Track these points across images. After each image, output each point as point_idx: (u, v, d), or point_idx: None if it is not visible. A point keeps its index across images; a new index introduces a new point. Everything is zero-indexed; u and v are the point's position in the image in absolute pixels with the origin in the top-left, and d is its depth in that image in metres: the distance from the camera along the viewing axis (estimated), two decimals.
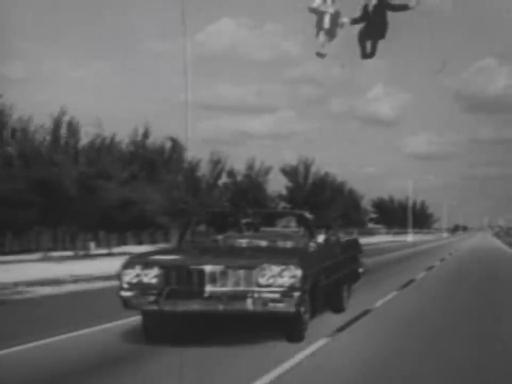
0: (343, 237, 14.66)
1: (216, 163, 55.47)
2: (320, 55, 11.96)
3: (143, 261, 8.90)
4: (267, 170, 61.29)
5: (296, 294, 8.41)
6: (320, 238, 10.60)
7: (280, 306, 8.39)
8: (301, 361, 7.74)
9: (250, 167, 60.42)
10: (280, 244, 10.21)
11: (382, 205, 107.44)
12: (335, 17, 11.84)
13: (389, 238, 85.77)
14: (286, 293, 8.38)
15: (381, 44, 11.46)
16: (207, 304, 8.38)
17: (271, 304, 8.37)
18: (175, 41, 71.05)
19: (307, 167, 68.33)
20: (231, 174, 57.73)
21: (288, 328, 8.81)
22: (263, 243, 10.20)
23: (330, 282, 10.41)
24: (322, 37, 11.78)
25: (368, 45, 11.50)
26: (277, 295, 8.37)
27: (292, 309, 8.44)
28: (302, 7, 12.15)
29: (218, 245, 10.43)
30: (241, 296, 8.35)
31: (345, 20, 11.87)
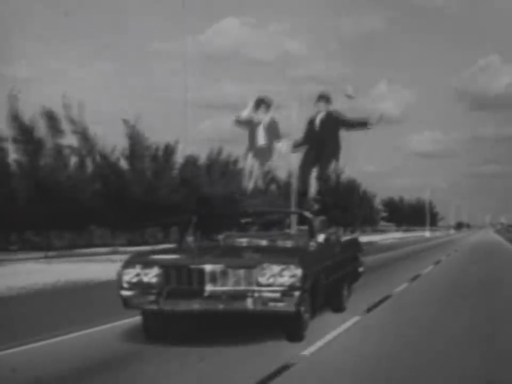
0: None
1: (267, 172, 59.80)
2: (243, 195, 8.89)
3: (143, 260, 8.90)
4: None
5: (296, 293, 8.39)
6: (320, 237, 10.59)
7: (280, 305, 8.37)
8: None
9: (290, 175, 64.18)
10: (280, 243, 10.21)
11: (391, 204, 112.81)
12: (271, 129, 9.17)
13: (408, 234, 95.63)
14: (286, 292, 8.35)
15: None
16: (207, 304, 8.36)
17: (271, 304, 8.35)
18: (179, 40, 71.19)
19: (338, 174, 72.83)
20: (276, 181, 62.84)
21: (288, 327, 8.81)
22: (263, 242, 10.20)
23: (330, 282, 10.39)
24: (255, 164, 9.12)
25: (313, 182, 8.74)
26: (277, 295, 8.34)
27: (292, 309, 8.42)
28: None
29: (219, 244, 10.42)
30: (241, 296, 8.33)
31: (283, 146, 9.10)
